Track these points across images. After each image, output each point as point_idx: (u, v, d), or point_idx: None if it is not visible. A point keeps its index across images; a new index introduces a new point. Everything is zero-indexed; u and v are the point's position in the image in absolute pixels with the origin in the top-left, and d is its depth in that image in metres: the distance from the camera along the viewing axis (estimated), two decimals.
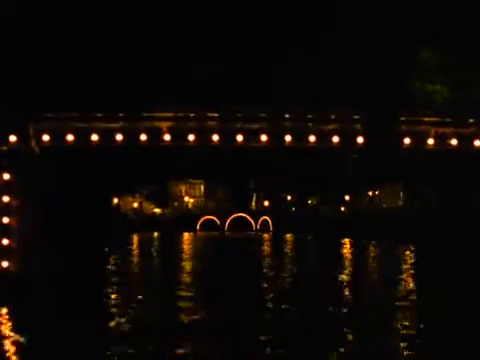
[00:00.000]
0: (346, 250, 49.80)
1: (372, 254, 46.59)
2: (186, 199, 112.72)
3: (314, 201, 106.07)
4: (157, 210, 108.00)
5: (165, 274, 31.57)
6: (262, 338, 14.65)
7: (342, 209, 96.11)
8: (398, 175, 56.25)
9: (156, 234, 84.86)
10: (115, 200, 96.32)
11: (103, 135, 26.70)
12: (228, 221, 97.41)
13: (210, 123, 27.05)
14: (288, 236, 78.29)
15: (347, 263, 35.85)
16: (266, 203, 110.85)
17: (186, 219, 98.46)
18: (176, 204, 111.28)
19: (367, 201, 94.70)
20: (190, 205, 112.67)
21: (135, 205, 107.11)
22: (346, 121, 26.74)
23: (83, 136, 26.39)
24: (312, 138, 26.79)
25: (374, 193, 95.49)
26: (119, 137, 26.72)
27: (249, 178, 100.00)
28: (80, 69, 34.21)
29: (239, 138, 26.71)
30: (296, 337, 15.03)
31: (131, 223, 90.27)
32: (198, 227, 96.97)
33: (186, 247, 57.65)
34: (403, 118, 26.99)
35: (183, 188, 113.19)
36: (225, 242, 71.70)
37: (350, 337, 15.05)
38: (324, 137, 27.05)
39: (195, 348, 14.00)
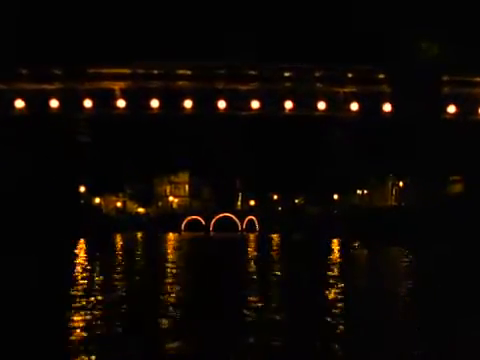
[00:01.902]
0: (334, 251, 45.49)
1: (360, 256, 42.53)
2: (171, 199, 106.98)
3: (301, 200, 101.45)
4: (141, 210, 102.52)
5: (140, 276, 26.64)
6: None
7: (330, 208, 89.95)
8: (431, 161, 45.64)
9: (139, 234, 79.53)
10: (96, 199, 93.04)
11: (32, 101, 17.47)
12: (213, 221, 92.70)
13: (181, 83, 17.82)
14: (275, 236, 73.24)
15: (335, 266, 32.18)
16: (252, 202, 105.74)
17: (170, 219, 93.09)
18: (160, 204, 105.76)
19: (357, 200, 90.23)
20: (175, 205, 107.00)
21: (118, 204, 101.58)
22: (368, 81, 17.56)
23: (3, 102, 17.18)
24: (322, 105, 17.56)
25: (363, 192, 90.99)
26: (54, 104, 17.54)
27: (235, 164, 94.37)
28: None
29: (221, 104, 17.54)
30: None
31: (114, 223, 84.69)
32: (183, 227, 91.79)
33: (169, 249, 51.98)
34: (446, 77, 17.77)
35: (168, 188, 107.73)
36: (209, 243, 66.93)
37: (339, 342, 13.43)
38: (338, 103, 17.90)
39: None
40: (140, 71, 17.87)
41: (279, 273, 28.19)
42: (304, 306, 17.61)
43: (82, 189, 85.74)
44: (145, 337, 13.59)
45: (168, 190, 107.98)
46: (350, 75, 18.34)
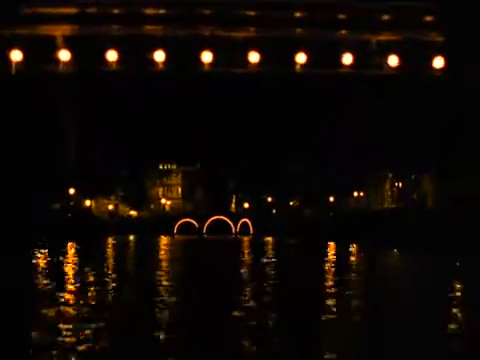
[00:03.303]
0: (330, 255, 43.32)
1: (357, 259, 40.71)
2: (163, 201, 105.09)
3: (296, 202, 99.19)
4: (133, 212, 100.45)
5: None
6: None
7: (326, 211, 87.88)
8: None
9: (132, 237, 78.10)
10: (87, 202, 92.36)
11: None
12: (206, 224, 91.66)
13: (150, 28, 11.69)
14: (269, 239, 71.55)
15: (331, 270, 31.21)
16: (246, 205, 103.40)
17: (163, 222, 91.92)
18: (153, 206, 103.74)
19: (353, 202, 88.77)
20: (167, 207, 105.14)
21: (110, 207, 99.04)
22: (412, 26, 11.49)
23: None
24: (347, 58, 11.33)
25: (359, 194, 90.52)
26: None
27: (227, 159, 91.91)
28: None
29: (206, 58, 11.25)
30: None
31: (106, 225, 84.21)
32: (175, 230, 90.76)
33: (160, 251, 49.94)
34: None
35: (160, 190, 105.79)
36: (202, 246, 64.61)
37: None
38: (369, 56, 11.93)
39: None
40: (91, 11, 11.97)
41: (274, 277, 26.43)
42: (300, 309, 16.79)
43: (71, 191, 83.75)
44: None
45: (160, 192, 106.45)
46: (386, 17, 12.31)
